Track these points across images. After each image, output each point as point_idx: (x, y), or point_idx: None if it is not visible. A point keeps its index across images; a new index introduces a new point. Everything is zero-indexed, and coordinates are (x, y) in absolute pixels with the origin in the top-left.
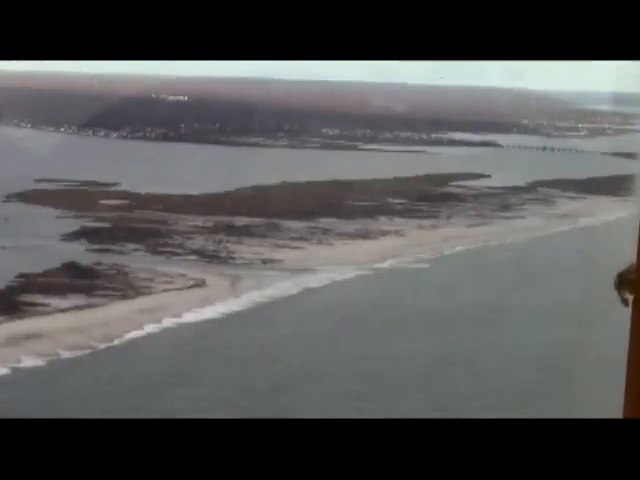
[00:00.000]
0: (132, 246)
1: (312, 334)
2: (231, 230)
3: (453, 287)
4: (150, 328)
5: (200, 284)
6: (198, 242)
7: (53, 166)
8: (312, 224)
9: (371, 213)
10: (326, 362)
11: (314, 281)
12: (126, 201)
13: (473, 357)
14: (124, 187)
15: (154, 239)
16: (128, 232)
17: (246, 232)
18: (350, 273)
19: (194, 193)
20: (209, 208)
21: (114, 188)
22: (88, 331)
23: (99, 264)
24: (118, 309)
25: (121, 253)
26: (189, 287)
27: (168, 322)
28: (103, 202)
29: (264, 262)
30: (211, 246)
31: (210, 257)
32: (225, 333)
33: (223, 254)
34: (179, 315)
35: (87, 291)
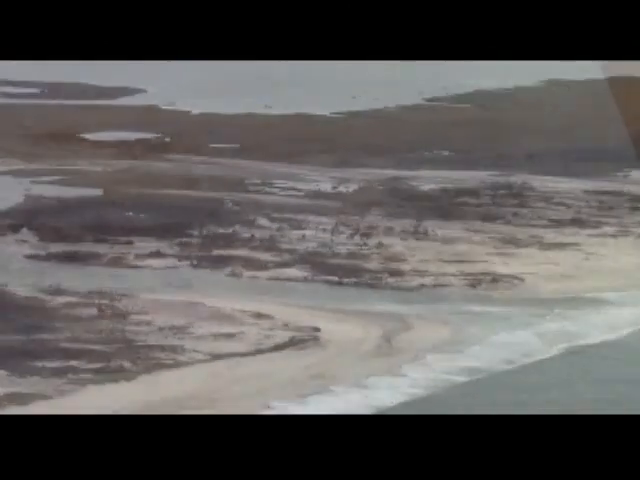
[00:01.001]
0: (147, 246)
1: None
2: (400, 201)
3: None
4: None
5: (303, 340)
6: (312, 234)
7: None
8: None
9: None
10: None
11: (598, 329)
12: (148, 134)
13: None
14: (150, 99)
15: (202, 227)
16: (140, 210)
17: (439, 208)
18: None
19: (315, 112)
20: (340, 148)
21: (126, 101)
22: None
23: (57, 292)
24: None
25: (115, 264)
26: (273, 349)
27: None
28: (89, 137)
29: (474, 284)
30: (345, 244)
31: (337, 271)
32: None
33: (373, 264)
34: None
35: (17, 363)
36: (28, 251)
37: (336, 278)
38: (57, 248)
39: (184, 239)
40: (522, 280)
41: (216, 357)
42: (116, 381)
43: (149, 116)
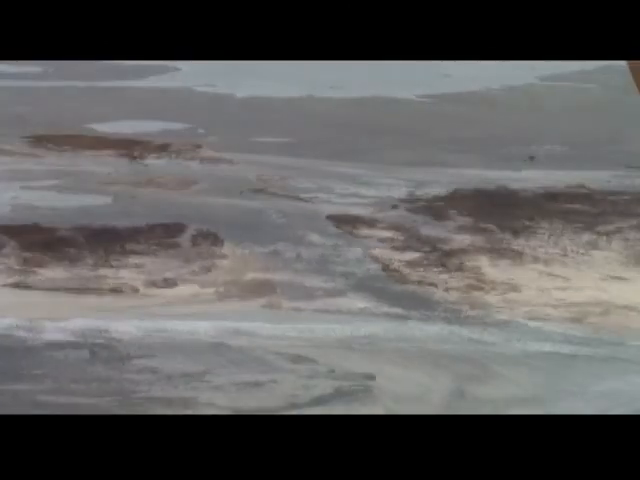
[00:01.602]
0: (160, 269)
1: None
2: (494, 209)
3: None
4: None
5: (351, 391)
6: (376, 254)
7: None
8: None
9: None
10: None
11: None
12: (176, 124)
13: None
14: (183, 79)
15: (235, 245)
16: (156, 223)
17: (542, 219)
18: None
19: (396, 95)
20: (423, 141)
21: (151, 82)
22: None
23: (39, 329)
24: None
25: (118, 292)
26: (312, 402)
27: None
28: (98, 128)
29: (578, 318)
30: (417, 266)
31: (404, 302)
32: None
33: (451, 292)
34: None
35: None
36: (7, 278)
37: (401, 310)
38: (46, 273)
39: (210, 260)
40: None
41: (237, 412)
42: None
43: (180, 101)
